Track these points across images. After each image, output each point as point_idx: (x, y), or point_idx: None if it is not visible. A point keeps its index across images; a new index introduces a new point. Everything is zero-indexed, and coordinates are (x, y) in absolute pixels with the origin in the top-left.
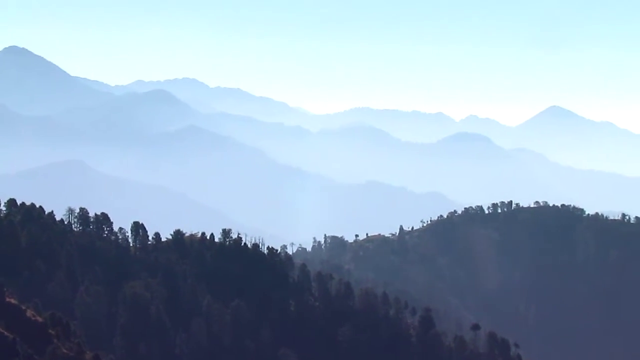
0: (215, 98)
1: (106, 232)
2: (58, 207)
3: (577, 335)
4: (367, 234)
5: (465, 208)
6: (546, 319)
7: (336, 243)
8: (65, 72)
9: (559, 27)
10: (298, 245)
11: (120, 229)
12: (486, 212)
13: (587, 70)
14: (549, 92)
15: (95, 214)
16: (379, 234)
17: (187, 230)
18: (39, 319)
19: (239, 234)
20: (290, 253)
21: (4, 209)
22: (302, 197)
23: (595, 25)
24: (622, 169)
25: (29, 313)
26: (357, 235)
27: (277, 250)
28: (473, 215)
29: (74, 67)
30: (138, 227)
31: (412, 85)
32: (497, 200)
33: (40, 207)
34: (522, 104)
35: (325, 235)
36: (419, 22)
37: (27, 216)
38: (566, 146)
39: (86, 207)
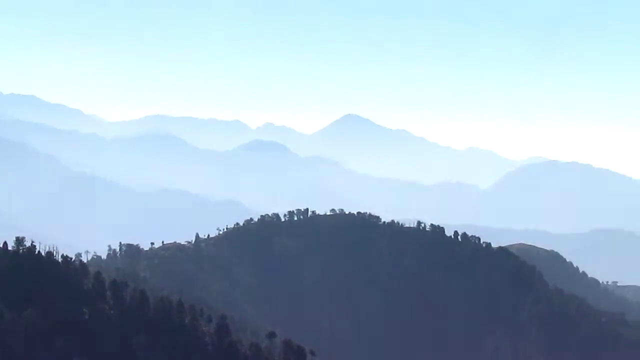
0: (8, 105)
1: None
2: None
3: (374, 341)
4: (163, 242)
5: (261, 216)
6: (342, 326)
7: (131, 251)
8: None
9: (353, 37)
10: (93, 253)
11: None
12: (282, 220)
13: (382, 78)
14: (345, 100)
15: None
16: (175, 242)
17: None
18: None
19: (32, 242)
20: (85, 261)
21: None
22: (97, 205)
23: (388, 36)
24: (418, 177)
25: None
26: (152, 243)
27: (71, 258)
28: (269, 223)
29: None
30: None
31: (209, 92)
32: (294, 208)
33: None
34: (319, 112)
35: (120, 243)
36: (211, 28)
37: None
38: (362, 154)
39: None
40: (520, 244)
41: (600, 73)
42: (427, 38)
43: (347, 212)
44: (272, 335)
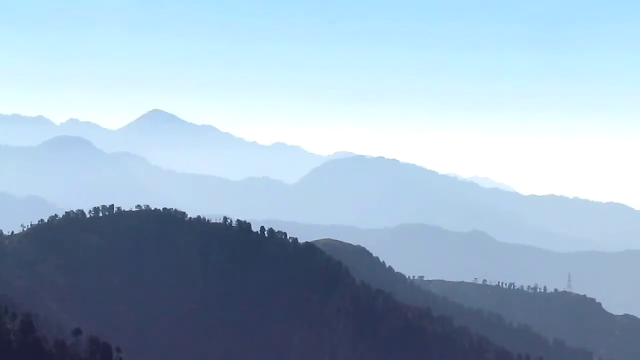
0: None
1: None
2: None
3: (182, 338)
4: None
5: (66, 212)
6: (148, 322)
7: None
8: None
9: (157, 32)
10: None
11: None
12: (88, 216)
13: (188, 74)
14: (151, 95)
15: None
16: None
17: None
18: None
19: None
20: None
21: None
22: None
23: (191, 30)
24: (224, 172)
25: None
26: None
27: None
28: (74, 219)
29: None
30: None
31: (11, 87)
32: (99, 204)
33: None
34: (124, 108)
35: None
36: (13, 20)
37: None
38: (168, 150)
39: None
40: (327, 239)
41: (401, 68)
42: (230, 33)
43: (153, 208)
44: (77, 332)
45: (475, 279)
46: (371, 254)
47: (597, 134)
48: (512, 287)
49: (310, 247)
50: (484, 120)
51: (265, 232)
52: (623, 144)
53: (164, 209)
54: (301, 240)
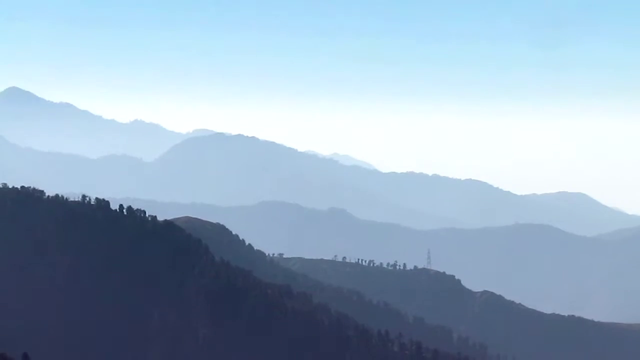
0: None
1: None
2: None
3: (41, 316)
4: None
5: None
6: (6, 301)
7: None
8: None
9: (11, 12)
10: None
11: None
12: None
13: (45, 51)
14: (7, 73)
15: None
16: None
17: None
18: None
19: None
20: None
21: None
22: None
23: (46, 10)
24: (82, 150)
25: None
26: None
27: None
28: None
29: None
30: None
31: None
32: None
33: None
34: None
35: None
36: None
37: None
38: (25, 128)
39: None
40: (186, 217)
41: (260, 50)
42: (83, 11)
43: (10, 187)
44: None
45: (335, 256)
46: (231, 232)
47: (455, 112)
48: (371, 265)
49: (169, 225)
50: (343, 99)
51: (124, 210)
52: (481, 122)
53: (22, 187)
54: (160, 219)
